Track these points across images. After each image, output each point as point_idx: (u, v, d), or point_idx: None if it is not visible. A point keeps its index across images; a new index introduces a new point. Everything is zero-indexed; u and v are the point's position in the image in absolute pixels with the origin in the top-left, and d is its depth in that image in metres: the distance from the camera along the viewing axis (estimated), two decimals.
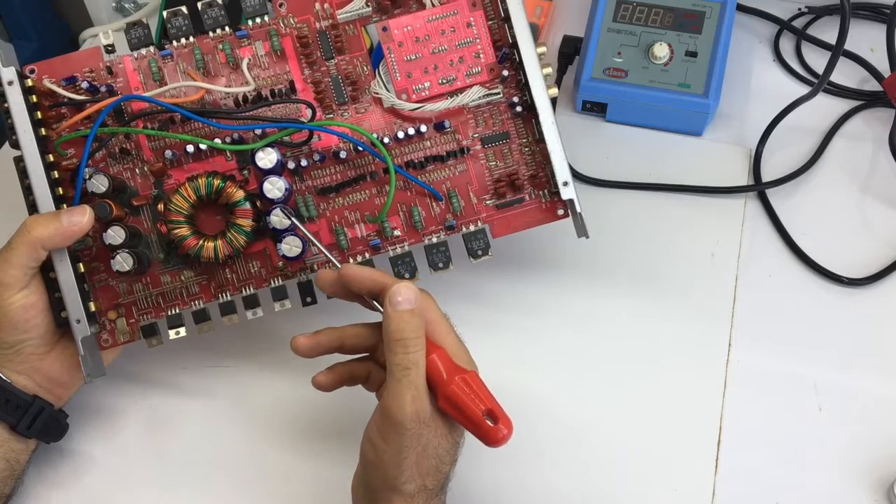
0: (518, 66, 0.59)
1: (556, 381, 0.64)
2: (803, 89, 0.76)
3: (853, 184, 0.74)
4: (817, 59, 0.81)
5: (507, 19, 0.59)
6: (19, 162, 0.58)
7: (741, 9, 0.84)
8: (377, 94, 0.60)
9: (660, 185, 0.73)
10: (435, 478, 0.50)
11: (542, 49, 0.59)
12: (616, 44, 0.75)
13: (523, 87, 0.59)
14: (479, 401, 0.49)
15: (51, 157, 0.58)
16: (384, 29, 0.60)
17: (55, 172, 0.58)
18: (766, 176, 0.74)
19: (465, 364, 0.52)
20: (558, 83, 0.78)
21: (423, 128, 0.60)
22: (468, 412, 0.49)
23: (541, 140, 0.59)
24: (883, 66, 0.78)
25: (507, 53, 0.60)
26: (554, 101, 0.59)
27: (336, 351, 0.56)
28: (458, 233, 0.60)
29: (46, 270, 0.57)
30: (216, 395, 0.65)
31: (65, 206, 0.57)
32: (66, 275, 0.56)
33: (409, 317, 0.50)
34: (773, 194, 0.73)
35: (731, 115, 0.78)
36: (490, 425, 0.49)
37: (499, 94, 0.61)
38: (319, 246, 0.56)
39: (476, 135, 0.61)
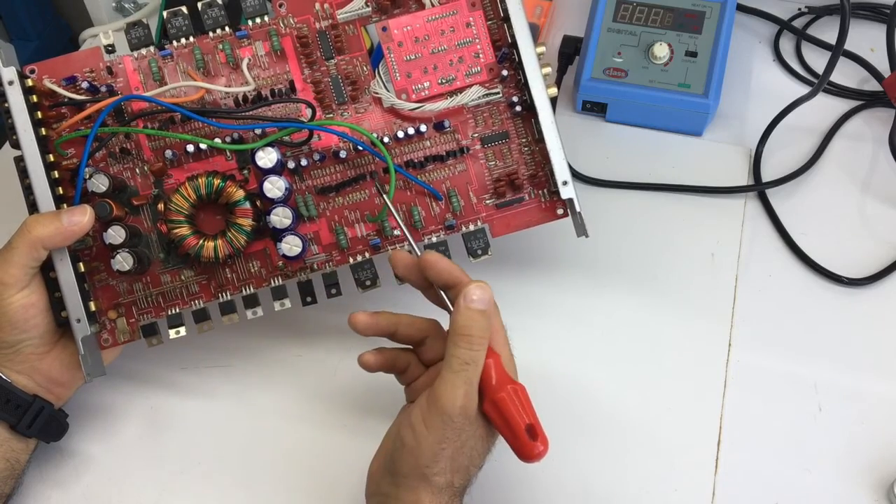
0: (517, 66, 0.59)
1: (555, 381, 0.64)
2: (803, 89, 0.76)
3: (853, 184, 0.74)
4: (817, 59, 0.81)
5: (507, 19, 0.59)
6: (19, 162, 0.58)
7: (741, 9, 0.84)
8: (377, 93, 0.60)
9: (660, 185, 0.73)
10: (463, 477, 0.51)
11: (542, 49, 0.59)
12: (616, 44, 0.75)
13: (523, 86, 0.59)
14: (524, 414, 0.50)
15: (51, 157, 0.58)
16: (384, 29, 0.60)
17: (55, 172, 0.58)
18: (766, 176, 0.74)
19: (513, 376, 0.53)
20: (558, 83, 0.78)
21: (423, 127, 0.60)
22: (512, 422, 0.50)
23: (540, 139, 0.59)
24: (883, 66, 0.78)
25: (507, 53, 0.60)
26: (553, 100, 0.59)
27: (388, 336, 0.57)
28: (458, 232, 0.60)
29: (47, 270, 0.57)
30: (216, 395, 0.65)
31: (65, 205, 0.57)
32: (66, 274, 0.57)
33: (480, 316, 0.50)
34: (773, 194, 0.73)
35: (731, 115, 0.78)
36: (528, 440, 0.50)
37: (498, 93, 0.61)
38: (403, 227, 0.56)
39: (476, 134, 0.61)
